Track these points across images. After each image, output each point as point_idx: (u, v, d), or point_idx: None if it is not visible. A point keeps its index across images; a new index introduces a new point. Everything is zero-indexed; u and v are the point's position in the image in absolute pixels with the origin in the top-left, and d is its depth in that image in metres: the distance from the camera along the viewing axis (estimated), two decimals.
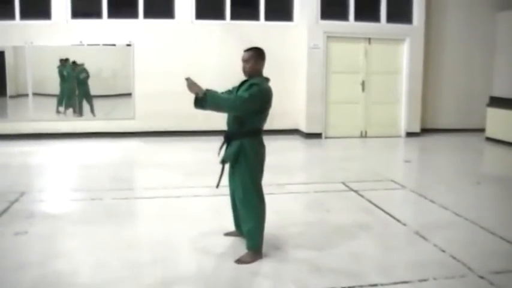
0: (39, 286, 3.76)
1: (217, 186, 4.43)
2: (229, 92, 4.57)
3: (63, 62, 11.45)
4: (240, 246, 4.48)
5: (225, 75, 11.38)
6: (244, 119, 4.29)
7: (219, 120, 11.17)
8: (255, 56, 4.45)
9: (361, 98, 11.66)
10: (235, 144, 4.29)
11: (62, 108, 11.66)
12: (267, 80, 4.46)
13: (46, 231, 5.07)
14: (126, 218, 5.76)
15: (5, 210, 5.67)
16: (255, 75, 4.41)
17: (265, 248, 4.43)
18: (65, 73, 11.53)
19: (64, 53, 11.33)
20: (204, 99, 4.22)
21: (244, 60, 4.47)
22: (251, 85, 4.29)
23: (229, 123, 4.42)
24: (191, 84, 4.31)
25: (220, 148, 4.47)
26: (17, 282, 3.83)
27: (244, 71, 4.48)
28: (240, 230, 4.55)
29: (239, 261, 4.21)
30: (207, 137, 11.03)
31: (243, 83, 4.45)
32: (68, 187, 7.16)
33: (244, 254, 4.26)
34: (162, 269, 4.14)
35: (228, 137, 4.40)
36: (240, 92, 4.33)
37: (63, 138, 10.82)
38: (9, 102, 11.54)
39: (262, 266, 4.19)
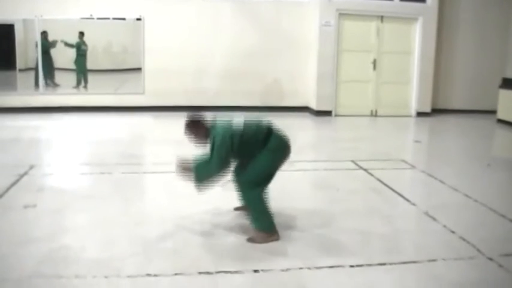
0: (47, 260, 3.77)
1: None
2: None
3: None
4: (247, 222, 4.48)
5: (235, 53, 11.33)
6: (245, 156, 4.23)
7: (228, 95, 11.32)
8: (190, 130, 4.34)
9: (372, 77, 11.56)
10: None
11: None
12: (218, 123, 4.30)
13: (55, 205, 5.08)
14: (135, 193, 5.77)
15: (15, 183, 5.69)
16: (208, 133, 4.25)
17: None
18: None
19: (74, 27, 11.28)
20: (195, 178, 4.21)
21: (190, 139, 4.38)
22: (213, 138, 4.16)
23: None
24: (181, 168, 4.30)
25: None
26: (25, 256, 3.84)
27: (198, 143, 4.37)
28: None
29: (250, 239, 4.19)
30: (217, 113, 11.00)
31: None
32: (76, 161, 7.17)
33: (255, 234, 4.25)
34: (171, 245, 4.14)
35: None
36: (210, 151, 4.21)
37: (72, 112, 10.83)
38: (19, 76, 11.54)
39: (269, 243, 4.18)
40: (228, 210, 4.85)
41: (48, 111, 10.78)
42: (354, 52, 11.40)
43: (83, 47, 11.46)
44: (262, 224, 4.22)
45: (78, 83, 11.70)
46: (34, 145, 8.10)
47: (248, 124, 4.25)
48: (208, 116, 4.37)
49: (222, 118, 4.34)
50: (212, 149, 4.13)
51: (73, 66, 11.65)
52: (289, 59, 11.55)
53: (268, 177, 4.29)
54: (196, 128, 4.31)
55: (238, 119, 4.26)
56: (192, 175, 4.21)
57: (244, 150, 4.18)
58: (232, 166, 4.31)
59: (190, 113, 4.39)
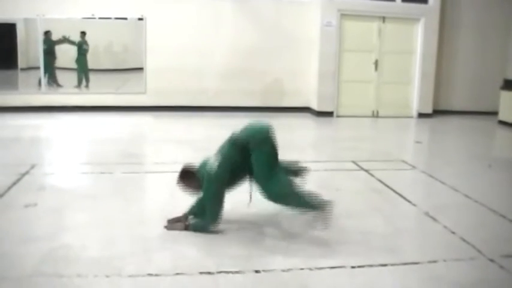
0: (48, 259, 3.78)
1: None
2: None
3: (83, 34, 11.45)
4: (252, 219, 4.49)
5: (237, 52, 11.34)
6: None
7: (229, 96, 11.32)
8: (183, 181, 4.45)
9: (374, 77, 11.56)
10: None
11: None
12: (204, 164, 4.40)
13: (56, 204, 5.08)
14: (136, 193, 5.77)
15: (16, 182, 5.70)
16: (200, 181, 4.35)
17: (274, 226, 4.46)
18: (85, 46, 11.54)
19: (75, 26, 11.29)
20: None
21: (186, 191, 4.47)
22: (203, 182, 4.31)
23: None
24: (172, 227, 4.40)
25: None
26: (26, 255, 3.84)
27: (192, 192, 4.46)
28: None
29: (320, 226, 4.17)
30: (217, 113, 11.03)
31: None
32: (78, 160, 7.18)
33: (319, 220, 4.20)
34: (171, 244, 4.14)
35: None
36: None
37: (73, 112, 10.84)
38: (20, 75, 11.55)
39: (272, 243, 4.19)
40: (228, 209, 4.83)
41: (50, 110, 10.80)
42: (355, 52, 11.41)
43: (84, 47, 11.47)
44: (312, 206, 4.19)
45: (80, 83, 11.70)
46: (35, 144, 8.11)
47: (223, 150, 4.38)
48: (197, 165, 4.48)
49: (204, 161, 4.45)
50: (204, 189, 4.29)
51: (75, 66, 11.66)
52: (290, 59, 11.55)
53: (275, 166, 4.29)
54: (188, 178, 4.43)
55: (213, 158, 4.35)
56: (194, 229, 4.33)
57: (235, 175, 4.30)
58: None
59: (183, 167, 4.51)
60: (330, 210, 4.15)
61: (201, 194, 4.39)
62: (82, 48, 11.49)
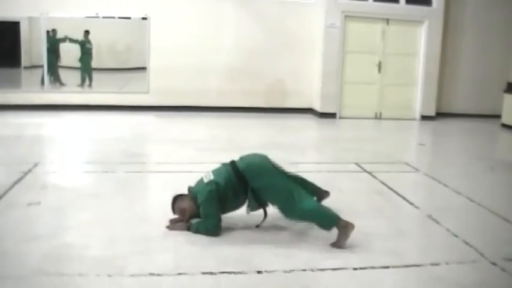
0: (49, 258, 3.77)
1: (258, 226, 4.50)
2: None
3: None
4: (253, 220, 4.49)
5: (240, 52, 11.34)
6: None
7: (231, 96, 11.32)
8: (178, 204, 4.50)
9: (377, 79, 11.55)
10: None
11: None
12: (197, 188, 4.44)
13: (58, 202, 5.09)
14: (138, 192, 5.77)
15: (18, 181, 5.70)
16: (195, 202, 4.41)
17: (276, 227, 4.47)
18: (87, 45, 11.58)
19: (79, 25, 11.30)
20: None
21: (182, 215, 4.48)
22: (198, 207, 4.37)
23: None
24: (174, 227, 4.44)
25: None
26: (28, 253, 3.84)
27: (188, 216, 4.46)
28: None
29: (334, 245, 4.15)
30: (220, 113, 11.04)
31: None
32: (80, 159, 7.19)
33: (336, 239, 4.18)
34: (173, 244, 4.14)
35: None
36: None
37: (76, 110, 10.84)
38: (24, 73, 11.56)
39: (274, 244, 4.18)
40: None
41: (52, 109, 10.81)
42: (358, 54, 11.40)
43: (87, 46, 11.48)
44: (327, 222, 4.19)
45: (83, 82, 11.72)
46: (38, 143, 8.12)
47: (218, 173, 4.42)
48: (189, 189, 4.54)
49: (196, 183, 4.52)
50: (201, 209, 4.34)
51: (78, 65, 11.67)
52: (293, 60, 11.55)
53: (290, 186, 4.33)
54: (182, 201, 4.47)
55: (208, 176, 4.43)
56: (196, 231, 4.34)
57: (230, 197, 4.34)
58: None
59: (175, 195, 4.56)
60: (350, 230, 4.13)
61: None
62: (85, 47, 11.50)
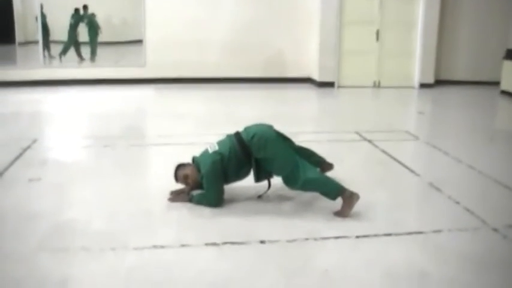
0: (53, 234, 3.79)
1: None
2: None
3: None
4: (255, 191, 4.49)
5: (238, 23, 11.22)
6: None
7: (230, 67, 11.23)
8: (180, 174, 4.46)
9: (375, 48, 11.44)
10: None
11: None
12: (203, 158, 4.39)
13: (59, 178, 5.09)
14: (139, 166, 5.78)
15: (18, 157, 5.68)
16: (198, 171, 4.39)
17: (278, 198, 4.48)
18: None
19: None
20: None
21: (185, 183, 4.47)
22: (202, 178, 4.34)
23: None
24: (176, 199, 4.44)
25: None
26: (31, 230, 3.86)
27: (193, 184, 4.45)
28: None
29: (337, 213, 4.14)
30: (219, 85, 10.96)
31: None
32: (79, 135, 7.16)
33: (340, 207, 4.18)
34: (176, 217, 4.15)
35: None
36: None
37: (73, 85, 10.73)
38: (18, 50, 11.45)
39: (276, 214, 4.19)
40: None
41: (49, 84, 10.66)
42: (356, 23, 11.25)
43: (88, 20, 11.44)
44: (332, 191, 4.19)
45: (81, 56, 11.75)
46: (36, 119, 8.07)
47: (222, 144, 4.39)
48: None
49: (201, 154, 4.48)
50: (204, 181, 4.31)
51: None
52: (291, 30, 11.44)
53: (295, 156, 4.31)
54: (185, 168, 4.45)
55: (212, 147, 4.39)
56: (198, 202, 4.34)
57: (234, 168, 4.31)
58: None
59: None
60: (355, 200, 4.13)
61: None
62: (86, 22, 11.53)
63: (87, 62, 11.87)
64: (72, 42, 11.76)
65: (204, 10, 11.07)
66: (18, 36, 11.33)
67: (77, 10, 11.56)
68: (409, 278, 3.27)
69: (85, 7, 11.46)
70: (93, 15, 11.64)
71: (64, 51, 11.77)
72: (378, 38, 11.38)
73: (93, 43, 11.88)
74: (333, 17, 11.05)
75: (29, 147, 6.09)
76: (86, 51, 11.97)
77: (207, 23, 11.14)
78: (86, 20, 11.52)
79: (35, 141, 6.37)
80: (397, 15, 11.38)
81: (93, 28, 11.75)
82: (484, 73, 11.97)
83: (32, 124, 7.60)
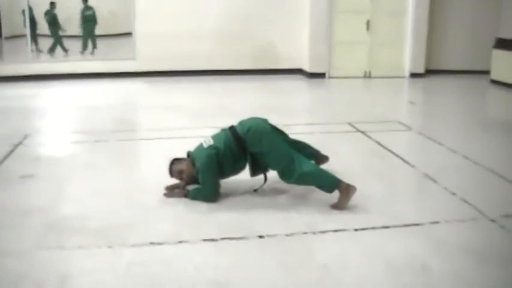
0: (49, 231, 3.74)
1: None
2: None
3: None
4: (252, 185, 4.47)
5: (229, 15, 11.13)
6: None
7: (221, 59, 11.15)
8: (176, 166, 4.42)
9: (366, 38, 11.42)
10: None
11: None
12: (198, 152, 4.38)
13: (52, 174, 5.03)
14: (132, 161, 5.74)
15: (10, 154, 5.61)
16: (193, 165, 4.35)
17: (276, 192, 4.45)
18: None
19: None
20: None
21: (180, 178, 4.42)
22: (197, 172, 4.32)
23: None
24: (171, 195, 4.42)
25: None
26: (26, 227, 3.81)
27: (188, 179, 4.42)
28: None
29: (334, 206, 4.14)
30: (210, 77, 10.88)
31: None
32: (71, 129, 7.09)
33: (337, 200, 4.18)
34: (173, 212, 4.12)
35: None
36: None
37: (62, 80, 10.59)
38: (5, 44, 11.29)
39: (273, 208, 4.17)
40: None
41: (37, 79, 10.49)
42: (347, 13, 11.22)
43: (87, 13, 11.33)
44: (328, 184, 4.17)
45: (85, 48, 11.66)
46: (26, 114, 7.92)
47: (217, 138, 4.36)
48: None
49: (195, 148, 4.45)
50: (200, 175, 4.28)
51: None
52: (282, 21, 11.36)
53: (290, 150, 4.29)
54: (180, 163, 4.40)
55: (207, 141, 4.36)
56: (193, 197, 4.32)
57: (229, 162, 4.29)
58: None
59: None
60: (352, 193, 4.13)
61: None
62: (85, 15, 11.47)
63: (87, 55, 11.79)
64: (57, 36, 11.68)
65: (194, 1, 10.96)
66: (5, 30, 11.16)
67: (52, 4, 11.43)
68: (411, 270, 3.26)
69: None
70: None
71: (53, 48, 11.71)
72: (368, 28, 11.36)
73: (93, 35, 11.81)
74: (323, 7, 11.00)
75: (20, 143, 6.01)
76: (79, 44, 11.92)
77: (198, 15, 11.03)
78: (89, 12, 11.45)
79: (26, 137, 6.29)
80: (387, 5, 11.35)
81: (93, 20, 11.65)
82: (474, 62, 11.98)
83: (22, 120, 7.48)
